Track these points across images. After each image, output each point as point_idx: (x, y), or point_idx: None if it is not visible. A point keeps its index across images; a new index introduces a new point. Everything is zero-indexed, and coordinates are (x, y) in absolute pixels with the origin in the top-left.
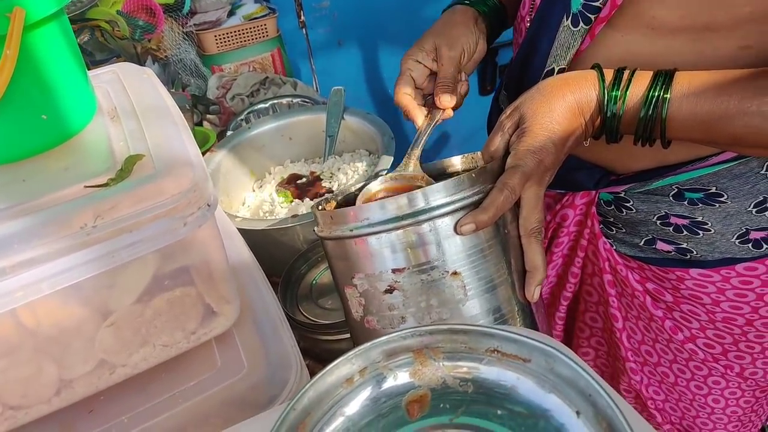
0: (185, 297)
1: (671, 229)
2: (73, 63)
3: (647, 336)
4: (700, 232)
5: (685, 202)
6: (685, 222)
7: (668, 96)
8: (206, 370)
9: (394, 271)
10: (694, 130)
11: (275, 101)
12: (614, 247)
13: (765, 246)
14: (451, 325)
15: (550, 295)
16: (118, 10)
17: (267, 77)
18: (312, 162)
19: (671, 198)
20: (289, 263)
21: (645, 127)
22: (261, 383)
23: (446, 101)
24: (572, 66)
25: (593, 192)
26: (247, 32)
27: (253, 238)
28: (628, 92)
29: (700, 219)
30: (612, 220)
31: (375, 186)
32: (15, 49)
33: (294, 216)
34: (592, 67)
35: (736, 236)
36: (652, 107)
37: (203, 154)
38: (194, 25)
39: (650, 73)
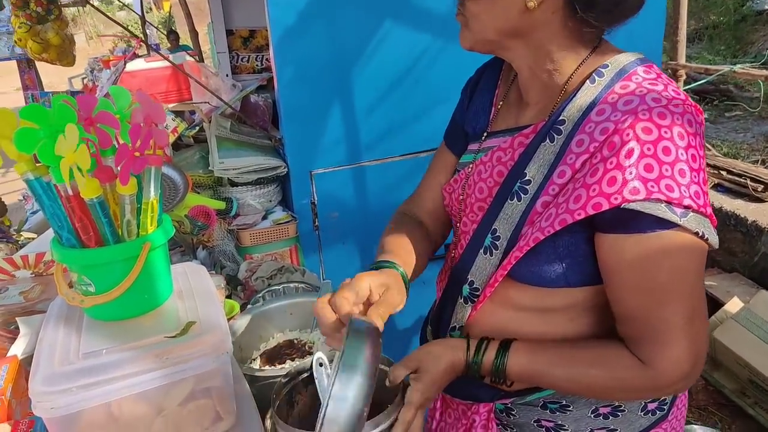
0: (206, 405)
1: (543, 429)
2: (165, 267)
3: None
4: (562, 431)
5: (548, 411)
6: (551, 424)
7: (507, 357)
8: None
9: None
10: (523, 379)
11: (287, 285)
12: None
13: None
14: None
15: None
16: (186, 214)
17: (283, 266)
18: (304, 331)
19: (540, 408)
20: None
21: (495, 374)
22: None
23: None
24: (466, 324)
25: (491, 403)
26: (274, 233)
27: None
28: (484, 357)
29: (560, 422)
30: (505, 423)
31: None
32: (141, 262)
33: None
34: (466, 335)
35: None
36: (498, 365)
37: (229, 320)
38: (236, 224)
39: (498, 342)
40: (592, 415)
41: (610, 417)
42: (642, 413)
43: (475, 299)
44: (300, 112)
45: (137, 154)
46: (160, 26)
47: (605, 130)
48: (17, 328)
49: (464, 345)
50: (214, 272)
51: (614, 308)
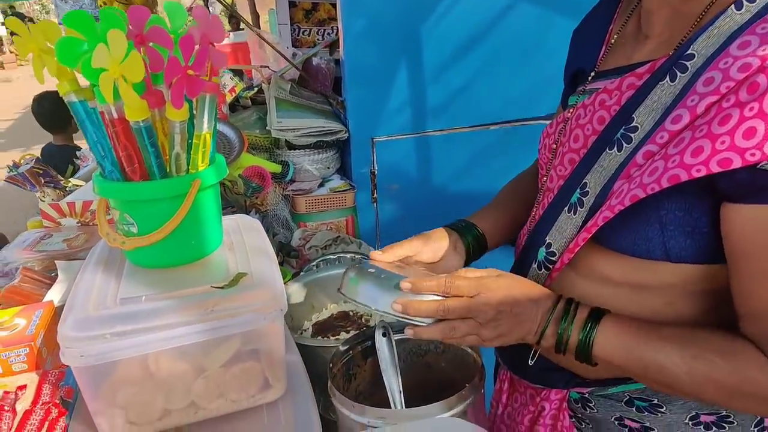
0: (253, 369)
1: (626, 430)
2: (215, 212)
3: None
4: None
5: (634, 409)
6: (637, 426)
7: (596, 329)
8: (256, 427)
9: None
10: (616, 356)
11: (342, 255)
12: None
13: None
14: None
15: None
16: (240, 174)
17: (339, 236)
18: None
19: (624, 404)
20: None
21: (581, 348)
22: None
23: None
24: None
25: (564, 390)
26: (331, 201)
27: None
28: (575, 319)
29: (648, 425)
30: (580, 416)
31: None
32: (189, 202)
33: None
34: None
35: None
36: (586, 338)
37: None
38: (292, 190)
39: (587, 308)
40: (690, 422)
41: (713, 428)
42: (756, 429)
43: (551, 265)
44: (365, 72)
45: (191, 72)
46: (222, 12)
47: (746, 66)
48: (58, 275)
49: (552, 297)
50: None
51: (741, 303)
